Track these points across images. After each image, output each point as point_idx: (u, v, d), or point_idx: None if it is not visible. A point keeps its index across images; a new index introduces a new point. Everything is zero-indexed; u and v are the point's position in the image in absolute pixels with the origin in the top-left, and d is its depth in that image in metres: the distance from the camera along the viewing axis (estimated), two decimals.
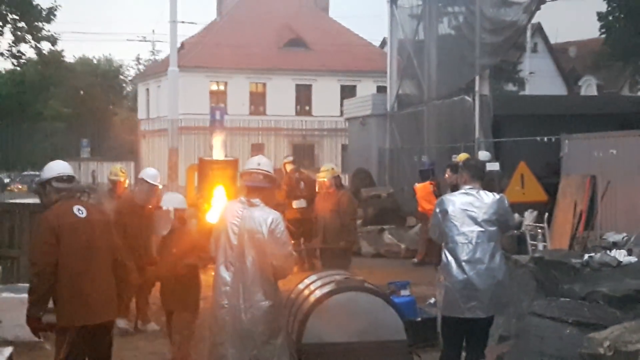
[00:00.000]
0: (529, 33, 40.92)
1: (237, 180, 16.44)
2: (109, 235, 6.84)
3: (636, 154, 14.95)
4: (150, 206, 10.30)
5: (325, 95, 50.92)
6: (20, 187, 54.54)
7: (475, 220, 7.44)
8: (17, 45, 22.82)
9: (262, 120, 47.36)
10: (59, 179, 6.80)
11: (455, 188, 8.93)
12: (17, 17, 22.30)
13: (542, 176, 16.86)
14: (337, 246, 11.87)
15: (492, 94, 21.92)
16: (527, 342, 8.17)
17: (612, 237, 12.81)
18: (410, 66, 26.36)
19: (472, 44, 21.49)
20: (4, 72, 59.88)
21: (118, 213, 10.07)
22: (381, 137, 27.88)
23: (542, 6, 20.15)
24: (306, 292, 8.10)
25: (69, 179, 6.84)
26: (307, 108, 52.31)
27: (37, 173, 60.61)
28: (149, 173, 10.81)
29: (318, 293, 7.82)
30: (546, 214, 15.23)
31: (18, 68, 27.54)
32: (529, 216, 15.40)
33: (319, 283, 8.18)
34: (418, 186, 16.68)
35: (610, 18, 41.96)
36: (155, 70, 56.20)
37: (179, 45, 34.79)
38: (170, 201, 8.62)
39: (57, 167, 6.94)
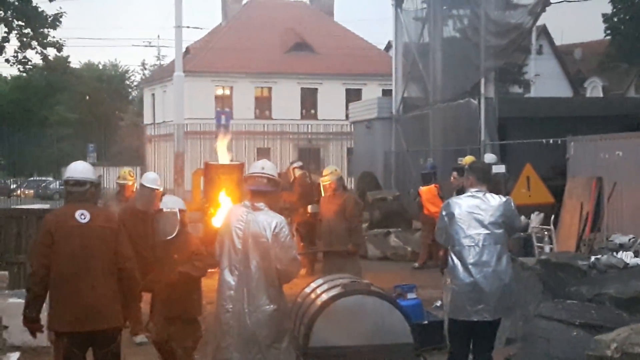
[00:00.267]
0: (534, 35, 40.83)
1: (242, 185, 16.47)
2: (112, 243, 6.67)
3: None
4: (153, 211, 10.16)
5: (331, 98, 50.93)
6: (26, 192, 54.66)
7: (481, 223, 7.42)
8: (23, 52, 22.88)
9: (267, 124, 47.37)
10: (67, 182, 6.79)
11: (461, 191, 8.91)
12: (22, 24, 22.34)
13: (548, 178, 16.84)
14: (343, 249, 11.66)
15: (497, 96, 21.92)
16: (534, 344, 8.17)
17: (619, 239, 12.77)
18: (416, 69, 26.37)
19: (477, 47, 21.49)
20: (10, 78, 60.07)
21: (120, 221, 9.93)
22: (387, 140, 27.89)
23: (547, 8, 20.12)
24: (312, 295, 8.09)
25: (77, 182, 6.75)
26: (312, 112, 52.33)
27: (44, 179, 60.90)
28: (148, 177, 10.71)
29: (324, 297, 7.81)
30: (552, 216, 15.20)
31: (24, 74, 27.56)
32: (535, 218, 15.37)
33: (325, 287, 8.17)
34: (423, 189, 16.68)
35: (616, 20, 41.99)
36: (160, 75, 56.29)
37: (184, 50, 34.88)
38: (174, 202, 8.25)
39: (69, 170, 6.88)
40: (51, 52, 23.62)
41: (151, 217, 9.72)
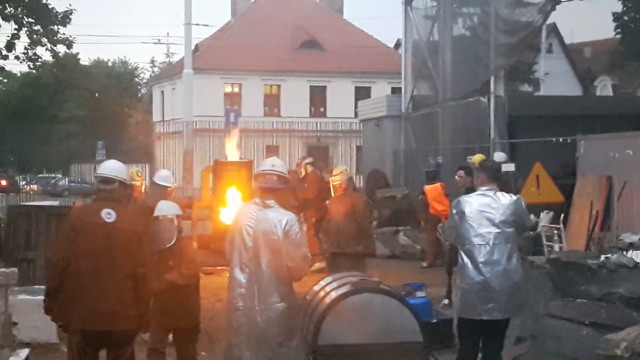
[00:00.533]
0: (544, 33, 40.78)
1: (252, 182, 16.48)
2: (134, 246, 6.56)
3: None
4: None
5: (340, 96, 50.92)
6: (35, 188, 54.68)
7: (492, 222, 7.41)
8: (33, 49, 22.89)
9: (276, 122, 47.38)
10: (97, 178, 6.76)
11: (470, 190, 8.88)
12: (32, 21, 22.38)
13: (558, 177, 16.78)
14: (354, 251, 11.24)
15: (507, 94, 21.86)
16: (544, 343, 8.15)
17: (629, 238, 12.70)
18: (425, 67, 26.34)
19: (486, 45, 21.46)
20: (19, 75, 60.20)
21: None
22: (396, 138, 27.86)
23: (557, 6, 20.06)
24: (322, 293, 8.08)
25: (106, 180, 6.68)
26: (321, 110, 52.33)
27: (53, 175, 61.00)
28: (160, 175, 10.29)
29: (333, 294, 7.80)
30: (562, 215, 15.16)
31: (34, 71, 27.63)
32: (545, 217, 15.33)
33: (334, 284, 8.16)
34: (428, 188, 16.61)
35: (626, 18, 41.91)
36: (170, 72, 56.36)
37: (193, 47, 34.88)
38: (169, 209, 7.95)
39: (100, 168, 6.86)
40: (61, 49, 23.64)
41: None
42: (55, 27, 22.83)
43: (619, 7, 42.09)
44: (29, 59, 23.39)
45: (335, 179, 11.60)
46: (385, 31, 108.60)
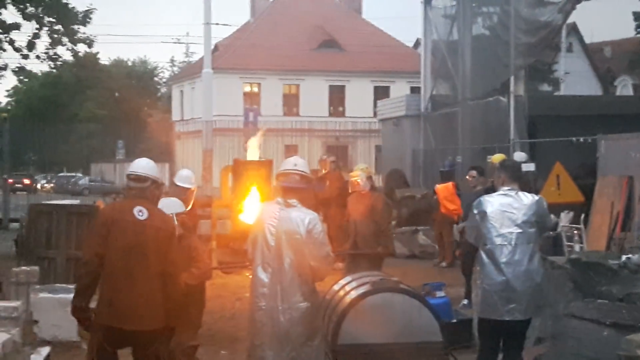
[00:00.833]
0: (564, 33, 40.56)
1: (271, 181, 16.50)
2: (164, 245, 6.50)
3: None
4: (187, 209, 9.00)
5: (359, 96, 50.93)
6: (48, 186, 54.92)
7: (514, 222, 7.37)
8: (53, 48, 22.99)
9: (295, 122, 47.46)
10: (129, 176, 6.69)
11: (491, 190, 8.83)
12: (53, 20, 22.48)
13: (578, 177, 16.72)
14: (373, 252, 10.98)
15: (527, 94, 21.79)
16: (565, 343, 8.13)
17: None
18: (444, 67, 26.29)
19: (506, 44, 21.39)
20: (40, 74, 60.46)
21: None
22: (415, 138, 27.84)
23: (577, 6, 20.00)
24: (341, 293, 8.09)
25: (138, 178, 6.63)
26: (340, 109, 52.35)
27: (73, 174, 61.33)
28: (181, 175, 9.86)
29: (353, 294, 7.81)
30: (582, 215, 15.10)
31: (54, 70, 27.79)
32: (565, 217, 15.27)
33: (354, 284, 8.17)
34: (439, 187, 16.54)
35: None
36: (189, 72, 56.53)
37: (213, 47, 34.95)
38: (169, 206, 7.67)
39: (132, 166, 6.77)
40: (81, 49, 23.72)
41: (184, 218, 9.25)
42: (76, 27, 22.91)
43: (639, 7, 41.82)
44: (50, 58, 23.48)
45: (354, 175, 11.35)
46: (404, 31, 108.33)
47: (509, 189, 7.56)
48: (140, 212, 6.47)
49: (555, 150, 17.77)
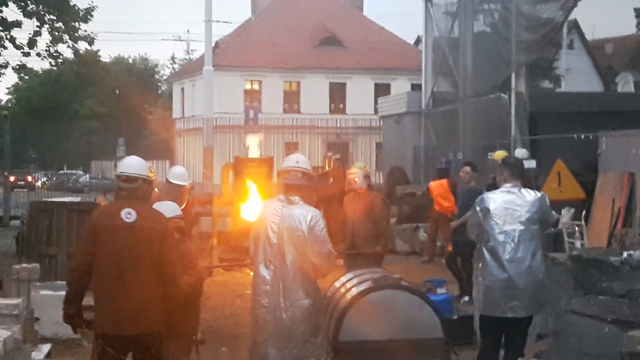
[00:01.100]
0: (565, 30, 40.58)
1: (271, 178, 16.50)
2: (157, 245, 6.31)
3: None
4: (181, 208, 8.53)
5: (360, 93, 50.91)
6: (48, 184, 54.87)
7: (517, 219, 7.37)
8: (54, 46, 22.93)
9: (296, 119, 47.38)
10: (119, 177, 6.50)
11: (493, 187, 8.81)
12: (54, 18, 22.43)
13: (579, 173, 16.71)
14: (371, 251, 10.67)
15: (528, 91, 21.77)
16: (566, 340, 8.10)
17: None
18: (445, 64, 26.30)
19: (508, 41, 21.38)
20: (40, 72, 60.52)
21: None
22: (416, 135, 27.85)
23: (579, 2, 19.96)
24: (342, 290, 8.09)
25: (128, 178, 6.45)
26: (341, 106, 52.32)
27: (74, 172, 61.32)
28: (174, 172, 9.47)
29: (354, 291, 7.81)
30: (583, 212, 15.09)
31: (55, 68, 27.73)
32: (566, 214, 15.26)
33: (355, 281, 8.17)
34: (433, 184, 16.38)
35: None
36: (190, 69, 56.52)
37: (213, 44, 34.93)
38: (163, 211, 7.15)
39: (121, 166, 6.59)
40: (82, 46, 23.66)
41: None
42: (77, 24, 22.86)
43: None
44: (51, 56, 23.42)
45: (352, 173, 11.12)
46: (405, 28, 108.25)
47: (511, 186, 7.55)
48: (129, 215, 6.29)
49: (556, 147, 17.77)
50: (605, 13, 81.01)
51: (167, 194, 9.09)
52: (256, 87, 51.13)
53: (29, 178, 45.14)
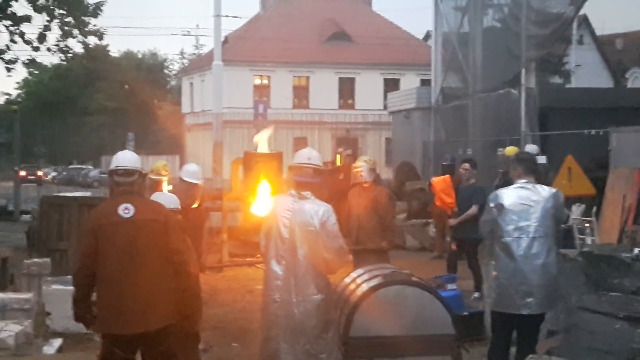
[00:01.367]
0: (575, 25, 40.44)
1: (281, 173, 16.51)
2: (162, 236, 6.22)
3: None
4: (194, 206, 8.98)
5: (369, 88, 50.84)
6: (58, 178, 54.98)
7: (533, 215, 7.33)
8: (64, 40, 22.99)
9: (305, 114, 47.44)
10: (116, 172, 6.39)
11: (507, 183, 8.73)
12: (64, 12, 22.49)
13: (590, 169, 16.67)
14: (377, 247, 10.55)
15: (538, 86, 21.72)
16: (577, 336, 8.09)
17: None
18: (455, 59, 26.23)
19: (517, 37, 21.32)
20: (50, 66, 60.56)
21: None
22: (425, 130, 27.82)
23: None
24: (353, 285, 8.08)
25: (126, 172, 6.36)
26: (350, 101, 52.27)
27: (83, 167, 61.50)
28: (188, 170, 9.22)
29: (365, 287, 7.79)
30: (594, 208, 15.06)
31: (64, 63, 27.77)
32: (576, 210, 15.23)
33: (365, 277, 8.15)
34: (436, 180, 16.24)
35: None
36: (199, 64, 56.52)
37: (222, 39, 34.92)
38: (163, 202, 7.03)
39: (116, 160, 6.47)
40: (92, 41, 23.72)
41: (193, 214, 8.89)
42: (87, 19, 22.92)
43: None
44: (61, 50, 23.48)
45: (357, 166, 10.95)
46: (414, 23, 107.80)
47: (525, 182, 7.52)
48: (126, 210, 6.20)
49: (566, 143, 17.72)
50: (615, 8, 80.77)
51: (180, 191, 8.86)
52: (265, 82, 51.11)
53: (39, 173, 45.30)
